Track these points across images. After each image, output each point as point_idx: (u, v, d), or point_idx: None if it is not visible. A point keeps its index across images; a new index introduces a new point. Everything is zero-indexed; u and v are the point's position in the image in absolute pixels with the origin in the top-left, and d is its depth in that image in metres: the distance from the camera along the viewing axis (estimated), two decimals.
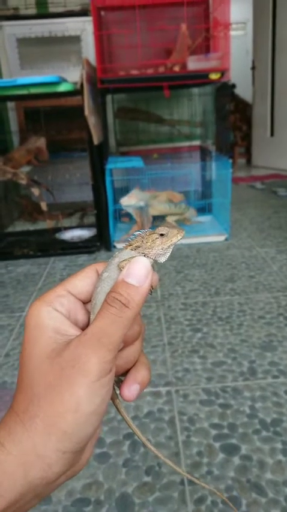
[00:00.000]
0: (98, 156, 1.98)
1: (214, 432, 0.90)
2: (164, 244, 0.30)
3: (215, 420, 0.94)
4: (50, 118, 2.40)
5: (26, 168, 2.39)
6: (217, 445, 0.87)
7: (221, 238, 2.11)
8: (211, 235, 2.13)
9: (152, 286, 0.30)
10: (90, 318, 0.29)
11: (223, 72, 1.93)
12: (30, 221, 2.58)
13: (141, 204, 2.06)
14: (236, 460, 0.83)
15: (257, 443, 0.87)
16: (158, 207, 2.13)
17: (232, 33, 2.04)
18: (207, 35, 2.22)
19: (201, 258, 1.90)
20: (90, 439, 0.26)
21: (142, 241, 0.31)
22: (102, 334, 0.25)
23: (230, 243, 2.08)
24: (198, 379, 1.08)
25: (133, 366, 0.31)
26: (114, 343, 0.26)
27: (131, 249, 0.31)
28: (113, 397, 0.30)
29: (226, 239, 2.11)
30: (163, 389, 1.04)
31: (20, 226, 2.50)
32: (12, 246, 2.12)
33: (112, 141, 2.64)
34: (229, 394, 1.02)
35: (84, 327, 0.30)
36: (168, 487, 0.78)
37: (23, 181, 2.06)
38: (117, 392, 0.31)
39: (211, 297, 1.52)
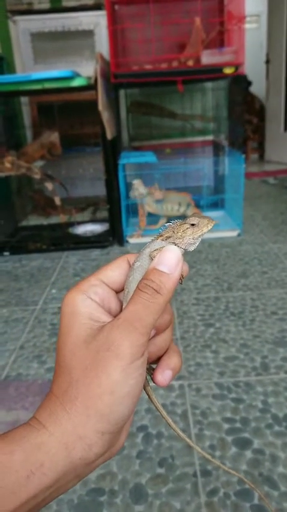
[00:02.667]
0: (111, 151, 1.98)
1: (226, 426, 0.91)
2: (195, 234, 0.31)
3: (228, 414, 0.95)
4: (64, 113, 2.41)
5: (40, 163, 2.41)
6: (229, 438, 0.88)
7: (234, 233, 2.11)
8: (223, 230, 2.13)
9: (182, 275, 0.30)
10: (123, 306, 0.30)
11: (237, 66, 1.92)
12: (43, 215, 2.60)
13: (145, 194, 2.09)
14: (248, 453, 0.84)
15: (269, 438, 0.87)
16: (151, 203, 2.14)
17: (246, 26, 2.02)
18: (221, 28, 2.20)
19: (213, 253, 1.90)
20: (126, 421, 0.27)
21: (173, 231, 0.31)
22: (135, 318, 0.26)
23: (243, 238, 2.07)
24: (210, 373, 1.09)
25: (165, 353, 0.31)
26: (147, 327, 0.27)
27: (162, 240, 0.31)
28: (145, 384, 0.31)
29: (239, 234, 2.10)
30: (176, 383, 1.05)
31: (34, 220, 2.52)
32: (26, 240, 2.14)
33: (125, 136, 2.64)
34: (241, 388, 1.02)
35: (117, 315, 0.30)
36: (181, 479, 0.80)
37: (37, 176, 2.08)
38: (149, 379, 0.31)
39: (223, 292, 1.52)
